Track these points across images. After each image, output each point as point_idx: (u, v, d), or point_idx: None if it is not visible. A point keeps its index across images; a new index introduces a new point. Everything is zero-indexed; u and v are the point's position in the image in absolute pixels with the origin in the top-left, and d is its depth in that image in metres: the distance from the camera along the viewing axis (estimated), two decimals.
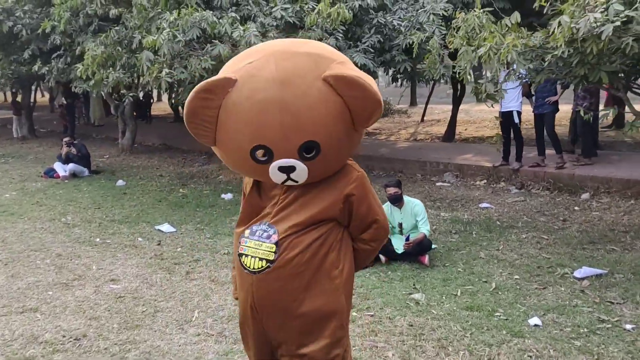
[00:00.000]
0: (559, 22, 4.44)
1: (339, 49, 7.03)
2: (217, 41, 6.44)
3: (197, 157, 12.55)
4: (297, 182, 2.10)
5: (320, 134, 2.00)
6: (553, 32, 5.46)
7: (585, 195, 7.51)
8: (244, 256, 2.20)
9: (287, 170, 2.05)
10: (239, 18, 6.62)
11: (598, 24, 4.22)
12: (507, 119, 8.31)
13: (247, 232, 2.22)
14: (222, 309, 4.31)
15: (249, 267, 2.17)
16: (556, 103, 8.31)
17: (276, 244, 2.13)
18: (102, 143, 15.39)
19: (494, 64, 5.28)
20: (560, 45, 4.79)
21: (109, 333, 3.95)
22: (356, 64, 6.94)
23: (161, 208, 7.76)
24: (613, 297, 4.35)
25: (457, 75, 5.73)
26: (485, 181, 8.68)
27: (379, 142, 12.75)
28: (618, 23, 4.10)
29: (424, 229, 5.33)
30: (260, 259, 2.15)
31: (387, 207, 5.53)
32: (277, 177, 2.08)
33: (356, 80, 1.96)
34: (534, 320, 4.00)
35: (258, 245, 2.16)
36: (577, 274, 4.80)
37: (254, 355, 2.41)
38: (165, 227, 6.64)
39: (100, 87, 8.23)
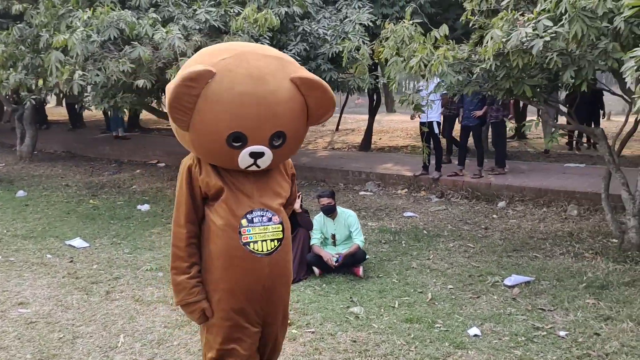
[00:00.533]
0: (491, 36, 4.53)
1: None
2: (136, 43, 6.03)
3: (106, 165, 11.83)
4: (259, 167, 2.37)
5: (288, 126, 2.33)
6: (480, 44, 5.63)
7: (501, 204, 7.80)
8: (252, 244, 2.38)
9: (257, 156, 2.32)
10: (160, 19, 6.25)
11: (528, 38, 4.35)
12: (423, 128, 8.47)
13: (243, 222, 2.38)
14: (151, 332, 3.97)
15: (261, 251, 2.39)
16: (484, 117, 8.61)
17: (281, 223, 2.44)
18: None
19: (425, 75, 5.33)
20: (489, 59, 4.91)
21: None
22: None
23: (70, 221, 7.16)
24: (543, 304, 4.48)
25: (389, 85, 5.73)
26: (407, 190, 8.80)
27: (299, 150, 12.64)
28: (547, 38, 4.23)
29: (358, 239, 5.25)
30: (272, 240, 2.42)
31: (320, 217, 5.41)
32: (245, 162, 2.33)
33: (318, 83, 2.36)
34: (474, 331, 4.02)
35: (263, 229, 2.40)
36: (507, 281, 4.91)
37: (249, 344, 2.51)
38: (77, 242, 6.11)
39: (0, 88, 7.49)
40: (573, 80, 4.71)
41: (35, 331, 3.96)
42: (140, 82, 5.98)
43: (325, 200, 5.30)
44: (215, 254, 2.40)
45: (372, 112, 13.44)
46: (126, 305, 4.42)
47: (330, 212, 5.32)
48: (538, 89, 5.48)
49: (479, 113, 8.53)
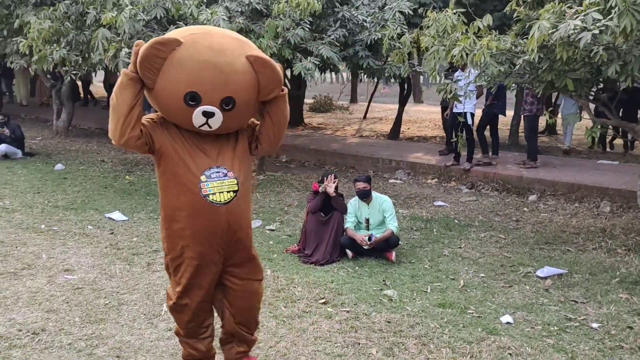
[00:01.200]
0: (538, 26, 4.52)
1: (304, 40, 6.93)
2: (181, 23, 6.15)
3: None
4: (211, 127, 2.69)
5: (238, 94, 2.66)
6: (522, 36, 5.62)
7: (532, 197, 7.79)
8: (210, 195, 2.74)
9: (208, 115, 2.64)
10: (204, 1, 6.36)
11: (576, 31, 4.34)
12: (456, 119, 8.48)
13: (202, 177, 2.73)
14: None
15: (220, 201, 2.76)
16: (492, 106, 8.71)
17: (236, 178, 2.81)
18: (33, 124, 14.46)
19: (467, 65, 5.34)
20: (532, 50, 4.91)
21: (71, 327, 3.67)
22: (322, 57, 6.85)
23: (108, 195, 7.36)
24: (576, 296, 4.51)
25: (429, 74, 5.76)
26: (437, 180, 8.83)
27: (328, 137, 12.72)
28: (596, 31, 4.22)
29: (392, 225, 5.32)
30: (228, 192, 2.78)
31: (355, 201, 5.49)
32: (198, 120, 2.65)
33: (269, 62, 2.69)
34: (506, 318, 4.08)
35: (220, 183, 2.77)
36: (540, 273, 4.94)
37: (205, 289, 2.93)
38: (117, 215, 6.30)
39: (44, 63, 7.68)
40: (617, 76, 4.70)
41: (82, 296, 4.13)
42: None
43: (361, 185, 5.38)
44: (180, 207, 2.77)
45: (403, 101, 13.42)
46: (166, 277, 4.55)
47: (365, 196, 5.39)
48: (580, 83, 5.45)
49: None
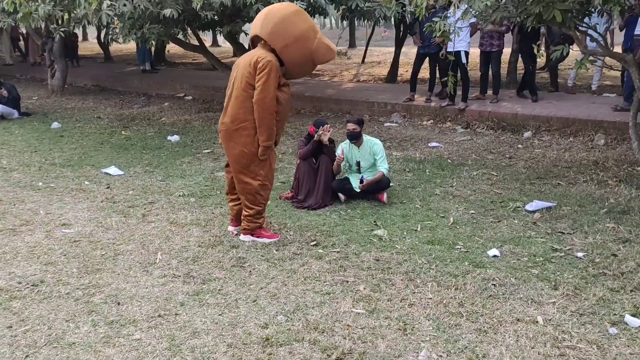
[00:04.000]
0: None
1: None
2: None
3: (135, 98, 12.02)
4: None
5: None
6: None
7: (527, 134, 7.79)
8: None
9: None
10: None
11: None
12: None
13: None
14: (186, 250, 4.22)
15: None
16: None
17: None
18: (28, 84, 14.41)
19: (454, 1, 5.25)
20: None
21: (68, 278, 3.80)
22: (309, 1, 6.73)
23: (104, 151, 7.42)
24: (563, 227, 4.59)
25: (416, 13, 5.67)
26: (432, 121, 8.81)
27: (324, 83, 12.62)
28: None
29: (383, 167, 5.37)
30: None
31: (345, 145, 5.52)
32: None
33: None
34: (493, 252, 4.17)
35: None
36: (529, 207, 5.01)
37: None
38: (113, 170, 6.37)
39: (28, 20, 7.60)
40: (605, 4, 4.61)
41: (79, 249, 4.25)
42: (167, 12, 6.02)
43: (351, 126, 5.38)
44: (281, 116, 4.18)
45: (399, 43, 13.22)
46: (162, 227, 4.68)
47: (354, 138, 5.41)
48: (569, 14, 5.35)
49: (438, 40, 8.40)
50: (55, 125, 9.02)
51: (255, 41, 4.23)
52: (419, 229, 4.67)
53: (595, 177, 5.81)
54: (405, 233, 4.60)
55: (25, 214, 5.02)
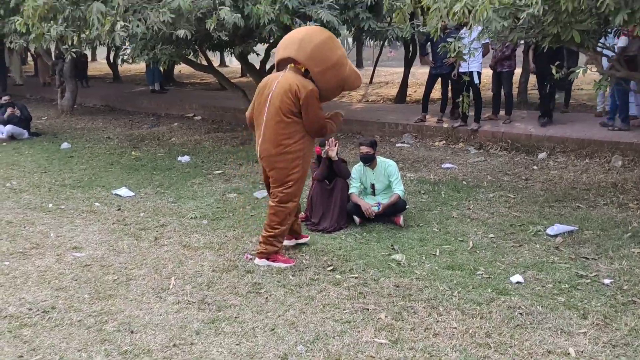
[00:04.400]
0: None
1: (303, 4, 6.77)
2: None
3: (144, 118, 12.01)
4: None
5: None
6: None
7: (542, 155, 7.68)
8: None
9: None
10: None
11: None
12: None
13: None
14: (200, 275, 4.11)
15: None
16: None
17: None
18: (38, 104, 14.44)
19: (469, 21, 5.19)
20: (536, 3, 4.74)
21: (80, 304, 3.69)
22: (321, 21, 6.70)
23: (115, 172, 7.35)
24: (587, 252, 4.46)
25: (431, 34, 5.62)
26: (444, 142, 8.72)
27: (333, 103, 12.53)
28: None
29: (398, 189, 5.27)
30: None
31: (359, 167, 5.42)
32: None
33: None
34: (516, 278, 4.04)
35: None
36: (550, 231, 4.89)
37: None
38: (123, 192, 6.29)
39: (40, 41, 7.58)
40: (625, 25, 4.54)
41: (90, 273, 4.15)
42: (180, 32, 5.98)
43: (364, 149, 5.30)
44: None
45: (408, 63, 13.22)
46: (175, 251, 4.58)
47: (368, 161, 5.32)
48: (587, 35, 5.28)
49: (451, 60, 8.39)
50: (65, 145, 8.98)
51: (283, 63, 4.24)
52: (437, 254, 4.55)
53: (616, 200, 5.68)
54: (424, 257, 4.48)
55: (35, 236, 4.93)
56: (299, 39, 4.12)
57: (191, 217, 5.43)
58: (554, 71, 5.37)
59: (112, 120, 11.85)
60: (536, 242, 4.73)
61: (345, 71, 4.24)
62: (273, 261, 4.27)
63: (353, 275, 4.11)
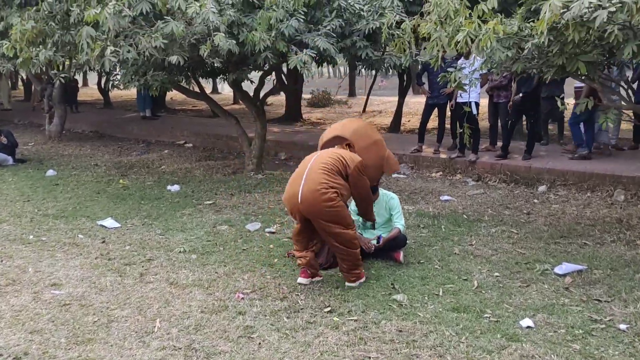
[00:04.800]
0: (549, 5, 4.21)
1: (299, 31, 6.61)
2: (169, 17, 5.83)
3: (134, 145, 11.75)
4: None
5: None
6: (531, 19, 5.32)
7: (542, 188, 7.49)
8: None
9: None
10: None
11: (590, 9, 4.02)
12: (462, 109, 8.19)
13: None
14: (187, 317, 3.82)
15: None
16: (451, 94, 8.50)
17: None
18: (26, 129, 14.17)
19: (472, 50, 5.04)
20: (542, 33, 4.60)
21: (55, 349, 3.38)
22: (318, 49, 6.53)
23: (101, 201, 7.07)
24: (599, 294, 4.21)
25: (432, 64, 5.47)
26: (441, 173, 8.53)
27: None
28: (613, 9, 3.91)
29: (399, 223, 5.04)
30: None
31: None
32: None
33: None
34: (526, 322, 3.78)
35: None
36: (558, 270, 4.64)
37: None
38: (109, 222, 6.01)
39: (28, 66, 7.37)
40: (633, 57, 4.39)
41: (69, 314, 3.84)
42: (173, 59, 5.79)
43: None
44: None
45: (402, 92, 13.13)
46: (161, 289, 4.29)
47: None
48: (592, 66, 5.14)
49: (448, 90, 8.35)
50: (50, 172, 8.70)
51: (328, 145, 4.62)
52: (441, 293, 4.29)
53: (623, 237, 5.46)
54: (426, 298, 4.21)
55: (12, 271, 4.62)
56: (342, 124, 4.82)
57: (180, 251, 5.14)
58: (559, 103, 5.22)
59: (101, 146, 11.59)
60: (544, 281, 4.49)
61: (385, 151, 4.73)
62: (360, 279, 4.45)
63: (352, 318, 3.84)
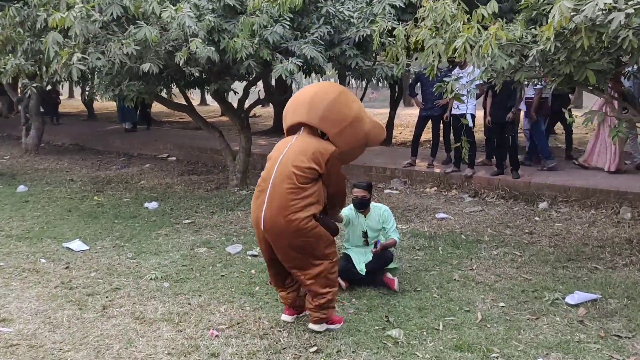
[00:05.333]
0: (559, 7, 3.79)
1: (285, 38, 6.18)
2: (142, 22, 5.37)
3: (114, 159, 11.24)
4: None
5: None
6: (531, 23, 4.95)
7: (543, 205, 7.06)
8: None
9: None
10: None
11: (604, 11, 3.62)
12: (458, 122, 7.77)
13: None
14: None
15: None
16: (446, 106, 8.10)
17: None
18: (3, 142, 13.61)
19: (472, 58, 4.62)
20: (548, 39, 4.20)
21: None
22: (305, 58, 6.10)
23: (71, 220, 6.55)
24: (618, 328, 3.76)
25: (427, 73, 5.05)
26: (436, 188, 8.09)
27: None
28: (631, 10, 3.50)
29: (395, 235, 4.65)
30: None
31: (349, 212, 4.67)
32: None
33: None
34: None
35: None
36: (570, 300, 4.19)
37: None
38: (76, 245, 5.50)
39: None
40: None
41: (14, 358, 3.32)
42: (145, 66, 5.32)
43: (359, 192, 4.60)
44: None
45: (394, 104, 12.75)
46: (124, 325, 3.78)
47: (363, 206, 4.64)
48: (602, 75, 4.73)
49: (442, 102, 7.98)
50: (21, 188, 8.17)
51: (293, 129, 3.76)
52: (441, 328, 3.82)
53: (636, 260, 5.03)
54: (425, 333, 3.74)
55: None
56: (309, 100, 3.64)
57: (150, 278, 4.64)
58: (567, 115, 4.81)
59: (80, 160, 11.06)
60: (555, 313, 4.03)
61: (365, 126, 3.76)
62: (331, 323, 3.76)
63: None
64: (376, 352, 3.48)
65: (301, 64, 6.08)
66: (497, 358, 3.41)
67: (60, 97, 17.95)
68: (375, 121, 3.90)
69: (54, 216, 6.72)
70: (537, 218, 6.59)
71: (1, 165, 10.26)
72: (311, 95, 3.66)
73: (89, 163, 10.69)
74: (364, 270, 4.51)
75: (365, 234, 4.70)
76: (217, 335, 3.61)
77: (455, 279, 4.69)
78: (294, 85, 12.45)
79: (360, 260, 4.60)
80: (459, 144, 6.35)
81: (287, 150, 3.57)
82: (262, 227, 3.48)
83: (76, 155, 11.75)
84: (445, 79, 5.38)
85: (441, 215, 6.71)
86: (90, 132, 14.24)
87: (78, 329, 3.71)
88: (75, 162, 10.82)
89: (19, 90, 8.11)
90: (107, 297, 4.26)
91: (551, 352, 3.47)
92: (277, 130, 13.74)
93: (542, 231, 6.04)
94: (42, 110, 12.87)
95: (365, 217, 4.69)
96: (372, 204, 4.77)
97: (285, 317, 3.88)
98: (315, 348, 3.49)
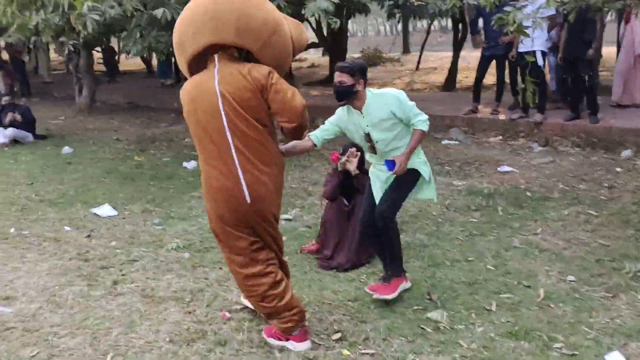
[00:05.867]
0: None
1: None
2: None
3: (164, 116, 10.98)
4: None
5: None
6: None
7: (626, 153, 6.13)
8: None
9: None
10: None
11: None
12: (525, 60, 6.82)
13: None
14: (150, 349, 2.91)
15: None
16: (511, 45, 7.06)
17: None
18: (63, 102, 13.70)
19: None
20: None
21: None
22: None
23: (108, 182, 6.29)
24: None
25: (481, 4, 4.25)
26: (501, 137, 7.25)
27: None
28: None
29: (419, 123, 3.31)
30: None
31: (341, 111, 3.38)
32: None
33: None
34: (615, 357, 2.66)
35: None
36: None
37: None
38: (104, 210, 5.21)
39: (24, 32, 6.62)
40: None
41: (4, 345, 3.01)
42: (159, 12, 4.80)
43: (337, 77, 3.20)
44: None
45: (457, 46, 11.73)
46: (130, 304, 3.39)
47: (343, 96, 3.23)
48: None
49: (507, 38, 6.90)
50: (66, 150, 8.02)
51: (201, 56, 2.72)
52: (493, 308, 3.21)
53: None
54: (473, 315, 3.14)
55: None
56: (211, 12, 2.61)
57: (172, 248, 4.25)
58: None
59: (131, 118, 10.89)
60: (638, 289, 3.30)
61: (286, 30, 2.79)
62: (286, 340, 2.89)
63: (368, 351, 2.83)
64: (411, 339, 2.92)
65: (338, 1, 5.36)
66: (560, 349, 2.77)
67: (116, 53, 17.90)
68: (293, 21, 2.96)
69: (91, 179, 6.48)
70: (618, 169, 5.70)
71: (55, 126, 10.23)
72: (211, 4, 2.63)
73: (139, 121, 10.49)
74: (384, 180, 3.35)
75: (368, 137, 3.32)
76: (229, 318, 3.17)
77: (515, 246, 4.01)
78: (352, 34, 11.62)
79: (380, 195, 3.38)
80: (524, 86, 5.49)
81: (221, 93, 2.66)
82: (247, 199, 2.75)
83: (128, 113, 11.60)
84: (506, 8, 4.54)
85: (505, 168, 5.94)
86: (144, 89, 14.11)
87: (80, 309, 3.36)
88: (126, 120, 10.65)
89: (66, 49, 7.79)
90: (120, 270, 3.90)
91: (630, 341, 2.79)
92: (331, 80, 13.05)
93: (625, 185, 5.17)
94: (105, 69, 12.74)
95: (360, 112, 3.28)
96: (372, 92, 3.30)
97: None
98: (338, 335, 2.97)
